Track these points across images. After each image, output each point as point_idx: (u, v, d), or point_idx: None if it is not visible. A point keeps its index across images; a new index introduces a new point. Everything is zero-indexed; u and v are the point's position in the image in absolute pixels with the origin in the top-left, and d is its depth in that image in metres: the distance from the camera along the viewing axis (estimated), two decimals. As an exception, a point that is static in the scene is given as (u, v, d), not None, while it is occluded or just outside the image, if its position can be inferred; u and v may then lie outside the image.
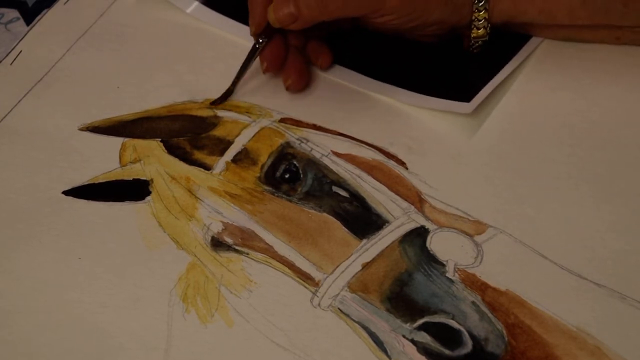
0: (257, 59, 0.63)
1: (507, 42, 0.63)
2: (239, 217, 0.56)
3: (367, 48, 0.65)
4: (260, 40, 0.61)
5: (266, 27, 0.61)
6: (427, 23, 0.60)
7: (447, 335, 0.50)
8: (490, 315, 0.50)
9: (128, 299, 0.52)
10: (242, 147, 0.60)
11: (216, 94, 0.63)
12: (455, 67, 0.64)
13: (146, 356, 0.50)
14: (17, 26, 0.70)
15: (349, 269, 0.53)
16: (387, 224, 0.55)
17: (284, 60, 0.62)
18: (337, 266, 0.53)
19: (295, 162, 0.59)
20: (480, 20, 0.61)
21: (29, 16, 0.70)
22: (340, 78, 0.64)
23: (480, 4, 0.60)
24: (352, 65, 0.64)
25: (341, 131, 0.61)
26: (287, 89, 0.62)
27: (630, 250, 0.53)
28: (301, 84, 0.62)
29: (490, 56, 0.63)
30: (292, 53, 0.62)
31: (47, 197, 0.58)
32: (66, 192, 0.58)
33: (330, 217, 0.56)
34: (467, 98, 0.61)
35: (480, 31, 0.61)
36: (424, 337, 0.50)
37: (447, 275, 0.52)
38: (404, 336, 0.50)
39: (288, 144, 0.60)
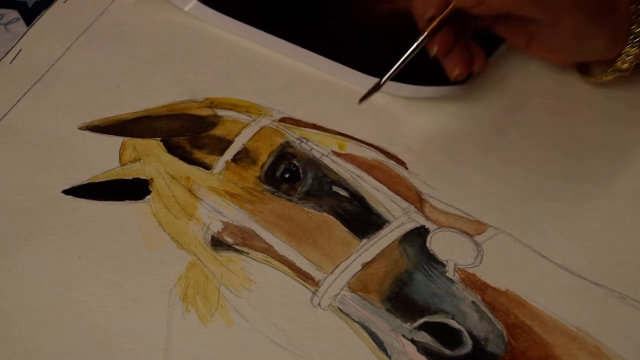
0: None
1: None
2: (239, 216, 0.56)
3: (363, 45, 0.66)
4: (421, 40, 0.57)
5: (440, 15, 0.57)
6: (586, 49, 0.58)
7: (447, 335, 0.50)
8: (490, 315, 0.50)
9: (128, 299, 0.52)
10: (242, 147, 0.60)
11: (216, 94, 0.63)
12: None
13: (146, 356, 0.50)
14: (17, 27, 0.70)
15: (349, 268, 0.53)
16: (387, 224, 0.55)
17: (452, 47, 0.58)
18: (337, 266, 0.53)
19: (295, 162, 0.59)
20: (630, 56, 0.58)
21: (29, 17, 0.70)
22: (337, 76, 0.64)
23: (637, 40, 0.57)
24: (348, 63, 0.64)
25: (341, 131, 0.61)
26: (455, 77, 0.59)
27: (630, 250, 0.53)
28: (466, 71, 0.59)
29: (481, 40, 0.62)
30: (459, 43, 0.59)
31: (47, 197, 0.58)
32: (66, 192, 0.58)
33: (330, 216, 0.56)
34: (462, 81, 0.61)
35: (625, 65, 0.59)
36: (424, 337, 0.50)
37: (447, 275, 0.52)
38: (403, 336, 0.50)
39: (288, 144, 0.60)
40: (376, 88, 0.58)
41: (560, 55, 0.61)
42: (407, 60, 0.57)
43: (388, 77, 0.57)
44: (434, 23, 0.57)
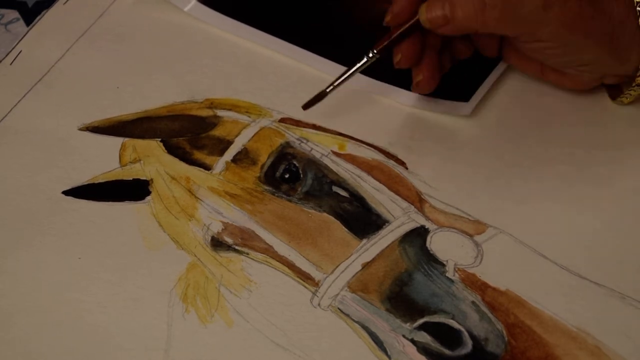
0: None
1: None
2: (238, 217, 0.56)
3: (363, 46, 0.66)
4: (371, 55, 0.57)
5: (404, 24, 0.57)
6: (581, 62, 0.57)
7: (447, 335, 0.50)
8: (490, 315, 0.50)
9: (128, 299, 0.52)
10: (242, 147, 0.60)
11: (216, 94, 0.63)
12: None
13: (146, 356, 0.50)
14: (17, 27, 0.70)
15: (349, 268, 0.53)
16: (387, 224, 0.55)
17: (419, 57, 0.57)
18: (337, 266, 0.53)
19: (295, 162, 0.59)
20: None
21: (29, 17, 0.70)
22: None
23: None
24: (348, 64, 0.64)
25: (341, 131, 0.61)
26: (416, 85, 0.58)
27: (630, 250, 0.53)
28: (431, 84, 0.58)
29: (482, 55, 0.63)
30: (428, 50, 0.58)
31: (47, 197, 0.58)
32: (66, 192, 0.58)
33: (330, 217, 0.56)
34: (465, 97, 0.61)
35: None
36: (424, 337, 0.50)
37: (447, 275, 0.52)
38: (403, 336, 0.50)
39: (288, 144, 0.60)
40: (321, 96, 0.59)
41: (568, 77, 0.60)
42: (356, 71, 0.58)
43: (333, 87, 0.58)
44: (393, 35, 0.57)
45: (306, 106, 0.59)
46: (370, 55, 0.57)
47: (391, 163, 0.59)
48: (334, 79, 0.59)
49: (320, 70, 0.64)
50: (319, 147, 0.59)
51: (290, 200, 0.57)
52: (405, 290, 0.52)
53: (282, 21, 0.68)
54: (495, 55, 0.61)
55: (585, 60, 0.57)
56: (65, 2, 0.71)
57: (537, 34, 0.55)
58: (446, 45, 0.59)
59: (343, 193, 0.57)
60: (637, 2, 0.54)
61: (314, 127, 0.61)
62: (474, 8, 0.54)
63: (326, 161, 0.59)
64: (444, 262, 0.53)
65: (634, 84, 0.57)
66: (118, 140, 0.61)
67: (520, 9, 0.54)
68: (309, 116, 0.61)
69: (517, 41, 0.58)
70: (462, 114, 0.60)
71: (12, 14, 0.71)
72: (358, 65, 0.58)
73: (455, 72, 0.61)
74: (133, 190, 0.58)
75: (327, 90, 0.59)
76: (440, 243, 0.54)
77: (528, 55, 0.59)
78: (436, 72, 0.58)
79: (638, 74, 0.56)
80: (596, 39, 0.55)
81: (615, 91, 0.60)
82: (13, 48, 0.68)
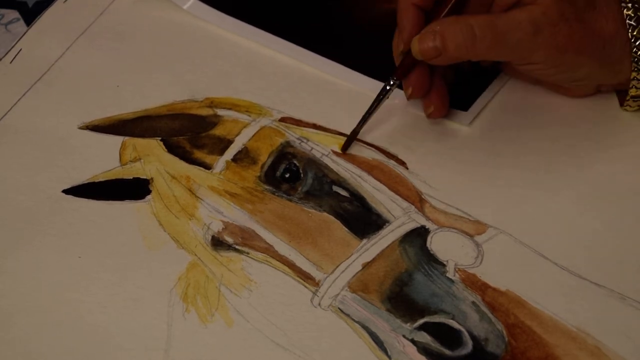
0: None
1: None
2: (239, 216, 0.56)
3: (364, 45, 0.66)
4: (392, 82, 0.58)
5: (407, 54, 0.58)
6: (575, 78, 0.58)
7: (447, 335, 0.50)
8: (490, 315, 0.50)
9: (128, 299, 0.52)
10: (242, 146, 0.60)
11: (216, 94, 0.63)
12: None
13: (146, 356, 0.50)
14: (17, 27, 0.70)
15: (349, 268, 0.53)
16: (387, 224, 0.55)
17: (429, 87, 0.59)
18: (338, 266, 0.53)
19: (295, 162, 0.59)
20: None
21: (29, 17, 0.70)
22: (338, 76, 0.64)
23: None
24: (348, 63, 0.64)
25: (341, 131, 0.60)
26: (429, 116, 0.60)
27: (630, 250, 0.53)
28: (443, 111, 0.60)
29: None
30: (436, 79, 0.59)
31: (47, 196, 0.58)
32: (66, 191, 0.58)
33: (331, 216, 0.56)
34: (464, 106, 0.61)
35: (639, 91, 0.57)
36: (424, 337, 0.50)
37: (448, 275, 0.52)
38: (404, 336, 0.50)
39: (288, 143, 0.60)
40: (354, 135, 0.59)
41: (565, 88, 0.61)
42: (379, 105, 0.59)
43: (363, 124, 0.59)
44: (400, 67, 0.58)
45: (344, 148, 0.60)
46: (392, 82, 0.58)
47: (391, 163, 0.59)
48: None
49: (320, 69, 0.65)
50: (319, 147, 0.59)
51: (290, 200, 0.57)
52: (406, 290, 0.52)
53: (282, 20, 0.68)
54: (492, 64, 0.62)
55: (578, 76, 0.58)
56: (65, 0, 0.71)
57: (529, 58, 0.56)
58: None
59: (343, 193, 0.57)
60: (628, 15, 0.55)
61: (315, 126, 0.61)
62: (464, 39, 0.54)
63: (326, 161, 0.59)
64: (444, 262, 0.53)
65: (628, 97, 0.58)
66: (118, 139, 0.61)
67: (510, 37, 0.54)
68: (309, 116, 0.61)
69: (511, 63, 0.59)
70: (461, 123, 0.60)
71: (12, 14, 0.71)
72: (381, 97, 0.59)
73: (457, 81, 0.62)
74: (133, 189, 0.58)
75: (358, 128, 0.59)
76: (440, 243, 0.54)
77: (525, 75, 0.60)
78: (445, 99, 0.59)
79: (631, 85, 0.57)
80: (588, 56, 0.56)
81: (623, 97, 0.60)
82: (13, 46, 0.68)
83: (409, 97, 0.59)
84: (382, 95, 0.59)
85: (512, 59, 0.57)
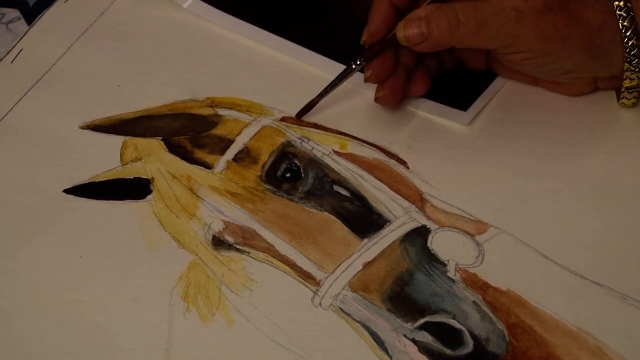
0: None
1: None
2: (240, 216, 0.56)
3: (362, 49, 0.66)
4: (359, 62, 0.59)
5: (380, 40, 0.59)
6: (565, 69, 0.58)
7: (448, 334, 0.50)
8: (491, 315, 0.50)
9: (129, 298, 0.52)
10: (243, 146, 0.60)
11: (217, 93, 0.63)
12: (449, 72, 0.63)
13: (147, 356, 0.50)
14: (18, 26, 0.70)
15: (350, 268, 0.53)
16: (388, 224, 0.55)
17: (388, 75, 0.59)
18: (338, 265, 0.53)
19: (296, 161, 0.59)
20: (635, 70, 0.56)
21: (30, 16, 0.70)
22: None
23: (633, 52, 0.56)
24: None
25: (342, 130, 0.61)
26: (376, 100, 0.60)
27: (631, 250, 0.53)
28: (391, 101, 0.60)
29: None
30: (399, 69, 0.59)
31: (48, 196, 0.58)
32: (67, 191, 0.58)
33: (332, 216, 0.56)
34: (463, 105, 0.61)
35: (634, 82, 0.57)
36: (425, 337, 0.50)
37: (448, 274, 0.52)
38: (405, 336, 0.50)
39: (289, 143, 0.60)
40: (312, 105, 0.61)
41: (561, 85, 0.61)
42: (340, 82, 0.60)
43: (321, 96, 0.60)
44: (368, 50, 0.59)
45: (299, 115, 0.61)
46: (358, 62, 0.59)
47: (392, 162, 0.59)
48: (327, 83, 0.61)
49: (321, 68, 0.64)
50: (320, 146, 0.59)
51: (291, 200, 0.57)
52: (407, 289, 0.52)
53: (283, 19, 0.68)
54: (482, 68, 0.62)
55: (568, 67, 0.57)
56: (66, 0, 0.71)
57: (513, 46, 0.56)
58: (422, 60, 0.61)
59: (344, 192, 0.57)
60: (618, 6, 0.55)
61: (315, 126, 0.61)
62: (449, 25, 0.55)
63: (327, 160, 0.59)
64: (445, 262, 0.53)
65: (623, 89, 0.58)
66: (119, 139, 0.61)
67: (493, 23, 0.55)
68: (309, 115, 0.61)
69: (497, 53, 0.59)
70: (459, 122, 0.60)
71: (13, 12, 0.71)
72: (345, 73, 0.60)
73: (458, 81, 0.62)
74: (134, 188, 0.58)
75: (317, 99, 0.61)
76: (441, 243, 0.54)
77: (512, 68, 0.60)
78: (398, 92, 0.60)
79: (624, 77, 0.57)
80: (573, 45, 0.56)
81: (620, 92, 0.59)
82: (14, 46, 0.68)
83: (365, 80, 0.59)
84: (346, 73, 0.60)
85: (496, 47, 0.57)
